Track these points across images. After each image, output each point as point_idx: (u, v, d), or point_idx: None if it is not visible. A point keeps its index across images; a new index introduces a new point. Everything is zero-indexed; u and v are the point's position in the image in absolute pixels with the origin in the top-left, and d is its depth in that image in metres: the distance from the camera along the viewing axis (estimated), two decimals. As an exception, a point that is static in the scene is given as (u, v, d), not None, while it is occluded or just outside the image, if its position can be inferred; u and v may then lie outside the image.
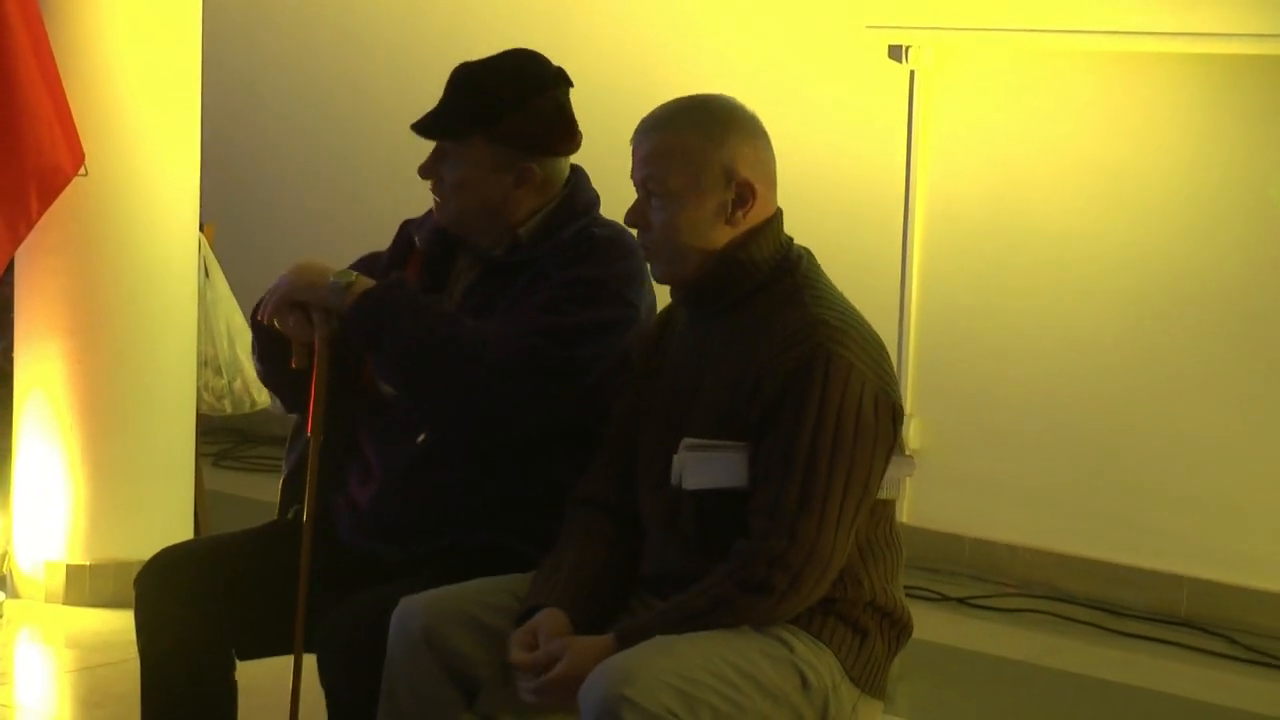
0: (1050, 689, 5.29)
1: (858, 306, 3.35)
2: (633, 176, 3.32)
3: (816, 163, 6.31)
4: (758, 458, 3.20)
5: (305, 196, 7.67)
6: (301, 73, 7.67)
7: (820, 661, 3.22)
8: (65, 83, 5.24)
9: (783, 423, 3.17)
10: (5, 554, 5.59)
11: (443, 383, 3.48)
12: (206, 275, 5.77)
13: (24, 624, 5.41)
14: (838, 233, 6.19)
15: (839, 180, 6.33)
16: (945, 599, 5.92)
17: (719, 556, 3.19)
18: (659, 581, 3.33)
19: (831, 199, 6.30)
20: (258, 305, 3.71)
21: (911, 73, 6.14)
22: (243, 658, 3.69)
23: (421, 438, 3.58)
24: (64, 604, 5.48)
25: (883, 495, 3.26)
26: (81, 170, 5.25)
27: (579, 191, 3.66)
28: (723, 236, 3.28)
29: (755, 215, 3.30)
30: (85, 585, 5.49)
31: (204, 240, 5.75)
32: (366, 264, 3.78)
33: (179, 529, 5.41)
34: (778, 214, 3.34)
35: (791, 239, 3.35)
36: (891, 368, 3.28)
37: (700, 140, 3.27)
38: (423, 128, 3.62)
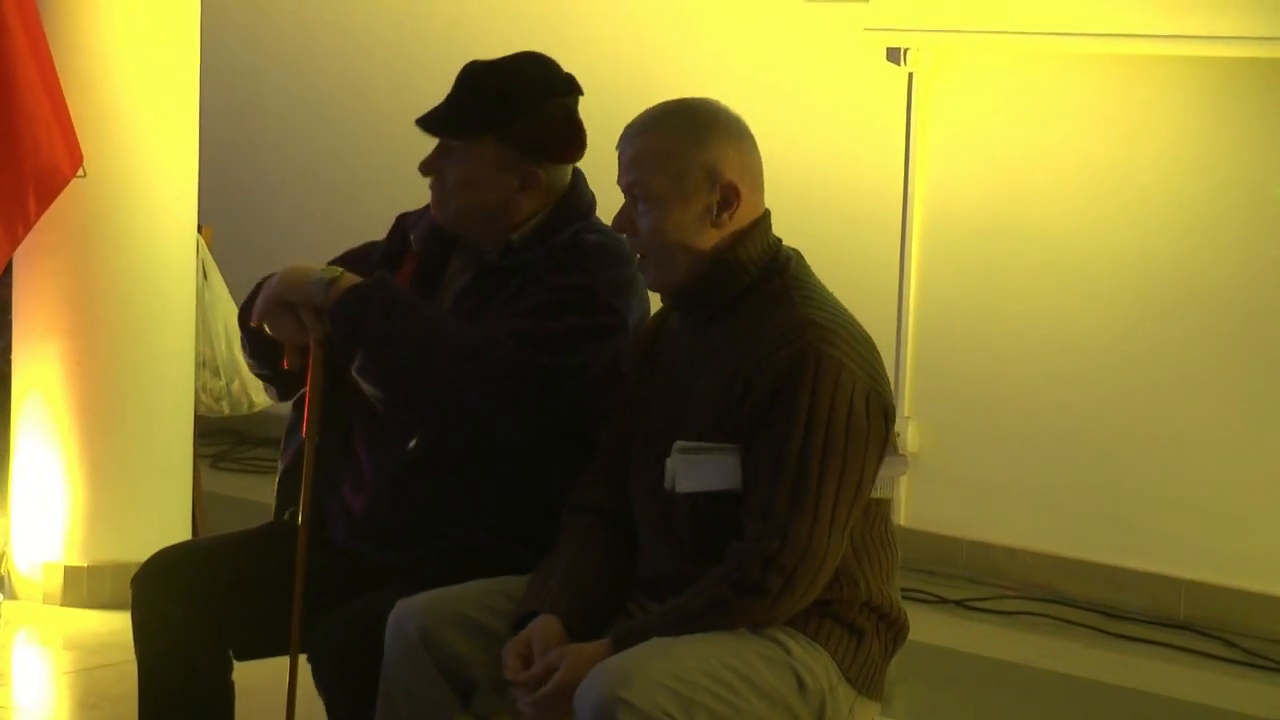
0: (1048, 691, 5.29)
1: (856, 308, 3.35)
2: (619, 182, 3.33)
3: (815, 165, 6.31)
4: (749, 459, 3.20)
5: (303, 198, 7.67)
6: (300, 74, 7.67)
7: (817, 663, 3.21)
8: (63, 84, 5.24)
9: (774, 423, 3.17)
10: (3, 555, 5.59)
11: (418, 383, 3.48)
12: (204, 276, 5.77)
13: (22, 625, 5.41)
14: (836, 234, 6.20)
15: (837, 182, 6.33)
16: (943, 601, 5.92)
17: (714, 559, 3.19)
18: (655, 585, 3.33)
19: (830, 201, 6.30)
20: (244, 307, 3.71)
21: (910, 75, 6.15)
22: (240, 658, 3.69)
23: (413, 443, 3.58)
24: (62, 605, 5.48)
25: (877, 495, 3.26)
26: (80, 172, 5.25)
27: (577, 195, 3.66)
28: (709, 239, 3.29)
29: (741, 217, 3.30)
30: (83, 586, 5.48)
31: (202, 242, 5.75)
32: (362, 253, 3.78)
33: (177, 530, 5.41)
34: (765, 216, 3.34)
35: (780, 240, 3.35)
36: (883, 367, 3.28)
37: (682, 143, 3.28)
38: (431, 124, 3.61)
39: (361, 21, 7.49)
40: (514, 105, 3.56)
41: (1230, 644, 5.59)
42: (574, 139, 3.62)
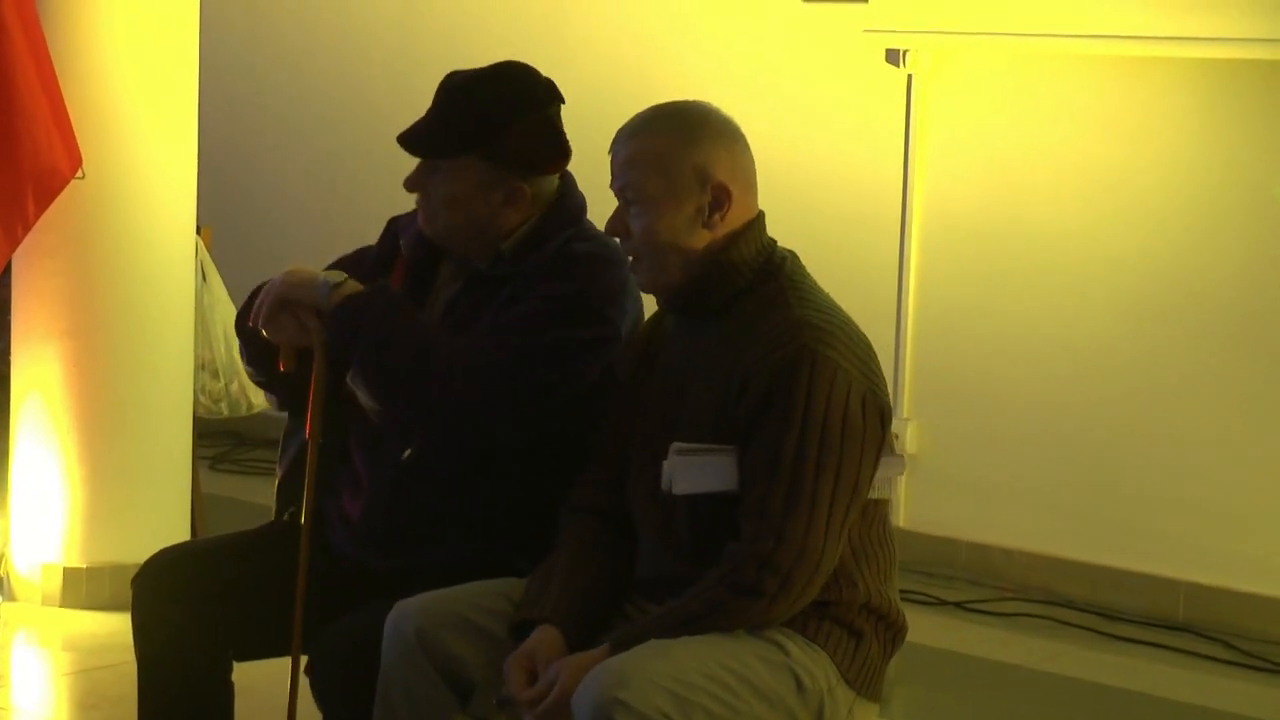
0: (1047, 693, 5.29)
1: (855, 310, 3.35)
2: (611, 186, 3.34)
3: (814, 166, 6.31)
4: (746, 460, 3.20)
5: (302, 200, 7.67)
6: (299, 76, 7.67)
7: (815, 664, 3.21)
8: (62, 85, 5.24)
9: (769, 424, 3.17)
10: (2, 556, 5.59)
11: (411, 393, 3.48)
12: (203, 278, 5.77)
13: (21, 627, 5.41)
14: (835, 236, 6.21)
15: (836, 184, 6.33)
16: (941, 603, 5.92)
17: (712, 561, 3.19)
18: (653, 586, 3.33)
19: (829, 202, 6.30)
20: (241, 312, 3.71)
21: (909, 77, 6.14)
22: (239, 659, 3.69)
23: (408, 453, 3.58)
24: (61, 607, 5.48)
25: (874, 495, 3.26)
26: (79, 173, 5.25)
27: (567, 200, 3.64)
28: (701, 240, 3.29)
29: (734, 219, 3.30)
30: (82, 588, 5.48)
31: (201, 243, 5.75)
32: (355, 258, 3.78)
33: (176, 532, 5.40)
34: (759, 217, 3.34)
35: (775, 241, 3.35)
36: (879, 367, 3.28)
37: (672, 145, 3.28)
38: (413, 144, 3.60)
39: (360, 24, 7.49)
40: (495, 123, 3.54)
41: (1229, 646, 5.58)
42: (556, 150, 3.62)
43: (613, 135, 3.37)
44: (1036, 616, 5.84)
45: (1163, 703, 5.20)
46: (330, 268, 3.69)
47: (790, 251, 3.36)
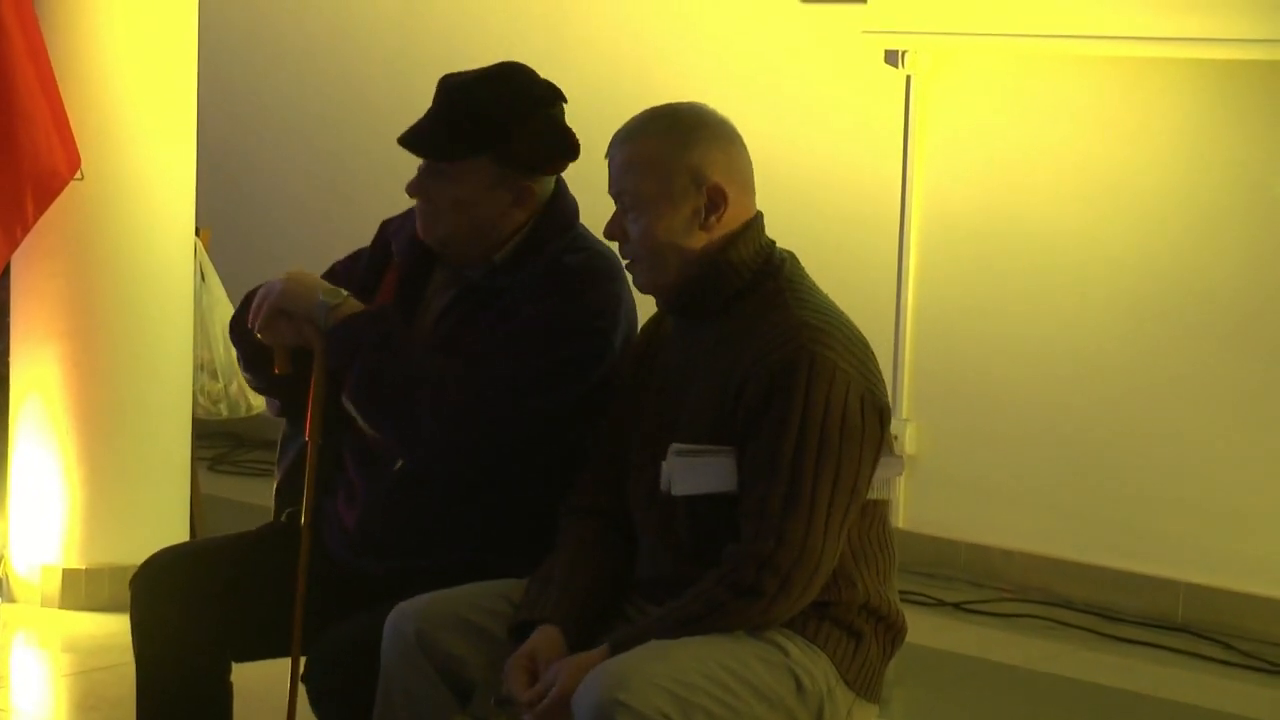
0: (1046, 694, 5.29)
1: (854, 310, 3.35)
2: (609, 190, 3.34)
3: (813, 167, 6.31)
4: (745, 461, 3.20)
5: (301, 201, 7.67)
6: (298, 77, 7.67)
7: (815, 665, 3.21)
8: (61, 87, 5.24)
9: (768, 425, 3.17)
10: (1, 558, 5.59)
11: (398, 426, 3.48)
12: (202, 279, 5.78)
13: (20, 628, 5.41)
14: (834, 236, 6.20)
15: (836, 184, 6.33)
16: (941, 604, 5.91)
17: (712, 561, 3.19)
18: (653, 586, 3.33)
19: (828, 203, 6.30)
20: (235, 317, 3.70)
21: (908, 77, 6.14)
22: (238, 660, 3.69)
23: (399, 464, 3.57)
24: (60, 608, 5.48)
25: (874, 496, 3.26)
26: (78, 174, 5.25)
27: (560, 202, 3.63)
28: (698, 242, 3.29)
29: (731, 220, 3.30)
30: (81, 589, 5.48)
31: (199, 244, 5.75)
32: (350, 262, 3.77)
33: (175, 533, 5.40)
34: (757, 218, 3.34)
35: (774, 242, 3.35)
36: (877, 368, 3.28)
37: (667, 147, 3.28)
38: (420, 147, 3.58)
39: (359, 25, 7.49)
40: (507, 124, 3.53)
41: (1228, 646, 5.58)
42: (566, 147, 3.61)
43: (611, 135, 3.37)
44: (1036, 617, 5.84)
45: (1162, 703, 5.20)
46: (325, 275, 3.69)
47: (789, 252, 3.36)
